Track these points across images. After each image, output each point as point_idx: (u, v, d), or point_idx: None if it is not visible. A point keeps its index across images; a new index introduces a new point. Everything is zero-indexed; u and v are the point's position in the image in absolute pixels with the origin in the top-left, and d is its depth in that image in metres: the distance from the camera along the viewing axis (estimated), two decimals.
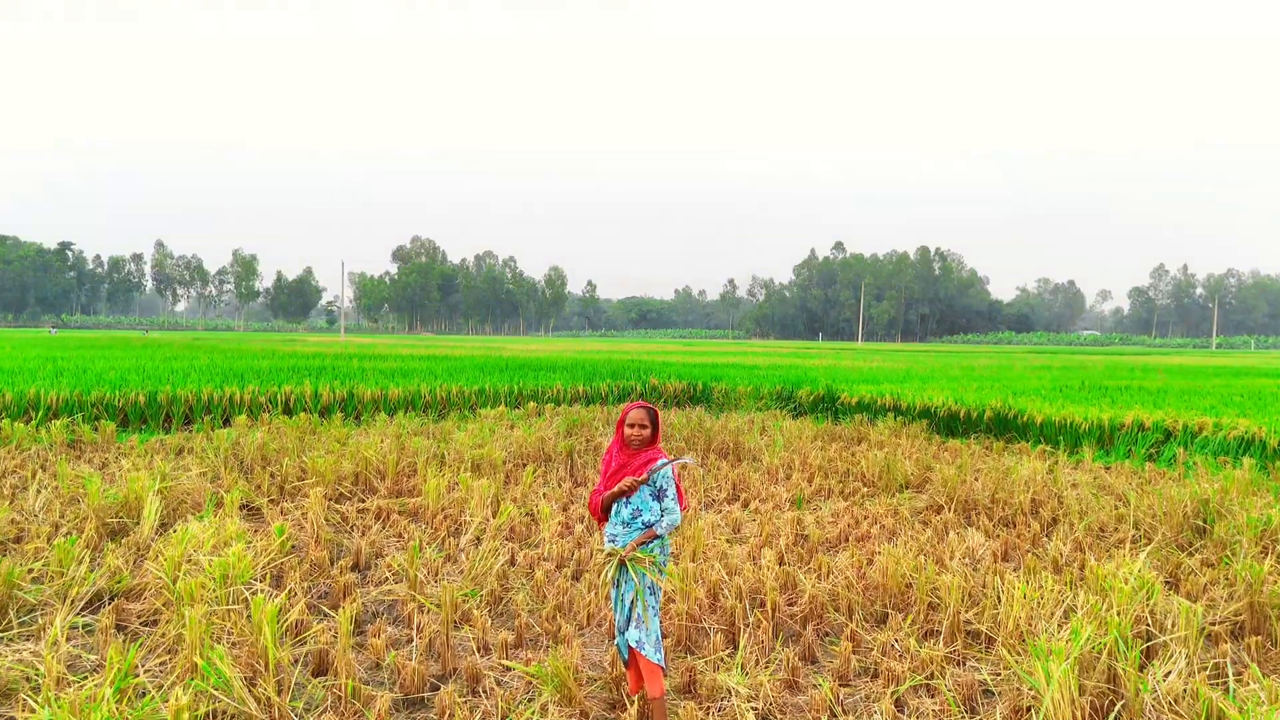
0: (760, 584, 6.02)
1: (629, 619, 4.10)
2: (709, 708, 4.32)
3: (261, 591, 5.52)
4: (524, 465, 10.58)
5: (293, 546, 7.00)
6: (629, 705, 4.19)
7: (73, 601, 5.54)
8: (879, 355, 47.51)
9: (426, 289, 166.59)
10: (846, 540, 7.69)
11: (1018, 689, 4.37)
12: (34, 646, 4.80)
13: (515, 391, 17.63)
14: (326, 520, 7.79)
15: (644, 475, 4.04)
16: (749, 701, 4.31)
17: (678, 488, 4.22)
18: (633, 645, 4.06)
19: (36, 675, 4.42)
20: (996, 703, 4.40)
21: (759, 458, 11.66)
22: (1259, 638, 5.14)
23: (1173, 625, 4.91)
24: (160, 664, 4.65)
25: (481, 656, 5.09)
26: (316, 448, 10.84)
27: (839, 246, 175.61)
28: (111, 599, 5.79)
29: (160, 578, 5.79)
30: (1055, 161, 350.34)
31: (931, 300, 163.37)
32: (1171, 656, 4.60)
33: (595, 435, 12.74)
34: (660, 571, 4.14)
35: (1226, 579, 6.08)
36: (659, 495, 4.11)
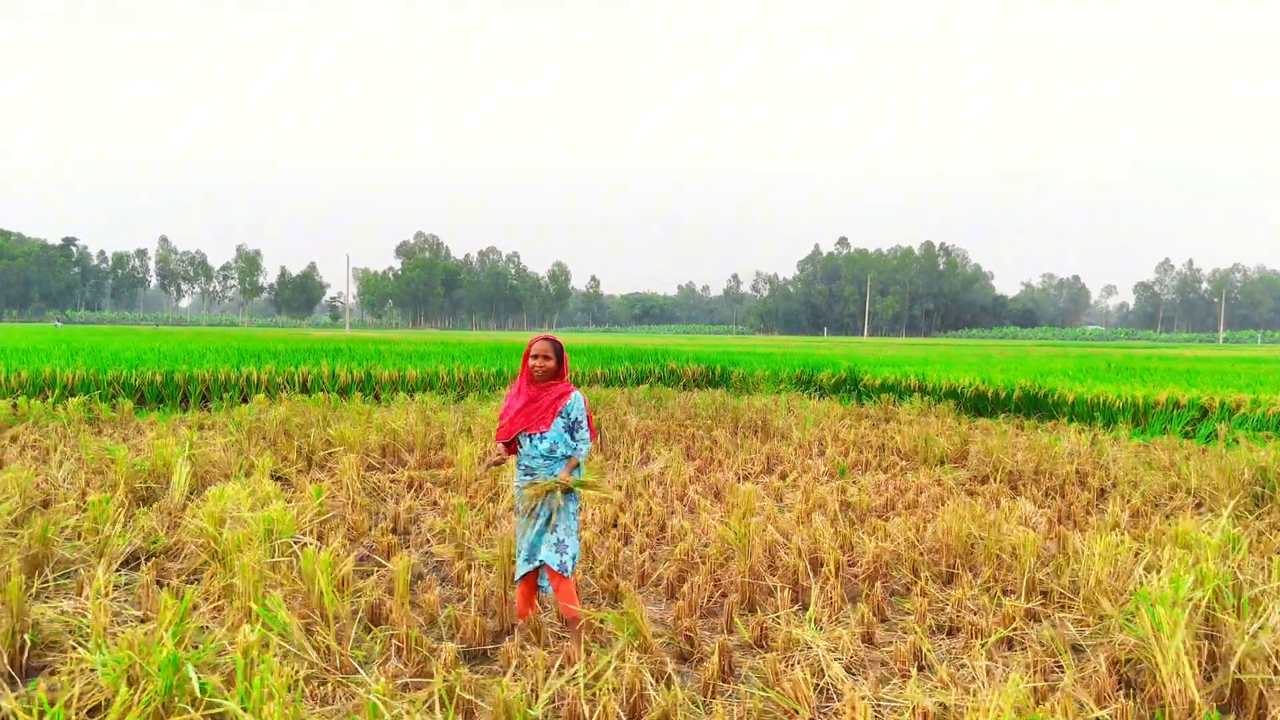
0: (817, 545, 5.83)
1: (538, 544, 4.24)
2: (788, 659, 4.11)
3: (309, 546, 5.33)
4: None
5: (331, 513, 6.80)
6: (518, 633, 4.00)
7: (110, 559, 5.35)
8: (889, 347, 47.29)
9: (430, 285, 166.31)
10: (893, 508, 7.48)
11: (1113, 642, 4.16)
12: (73, 602, 4.60)
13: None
14: (361, 487, 7.58)
15: (568, 481, 4.20)
16: (831, 653, 4.10)
17: (589, 421, 4.40)
18: (553, 568, 4.18)
19: (83, 626, 4.22)
20: (1089, 657, 4.19)
21: (787, 435, 11.45)
22: None
23: (1264, 579, 4.69)
24: (213, 612, 4.45)
25: (538, 614, 4.89)
26: (339, 423, 10.62)
27: (843, 242, 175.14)
28: (148, 558, 5.60)
29: (200, 536, 5.61)
30: (1061, 157, 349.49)
31: (936, 295, 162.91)
32: (1264, 611, 4.39)
33: (620, 413, 12.53)
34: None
35: None
36: (572, 429, 4.31)
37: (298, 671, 3.14)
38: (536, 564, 4.23)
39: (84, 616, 4.30)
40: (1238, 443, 10.57)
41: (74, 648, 3.85)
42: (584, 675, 3.52)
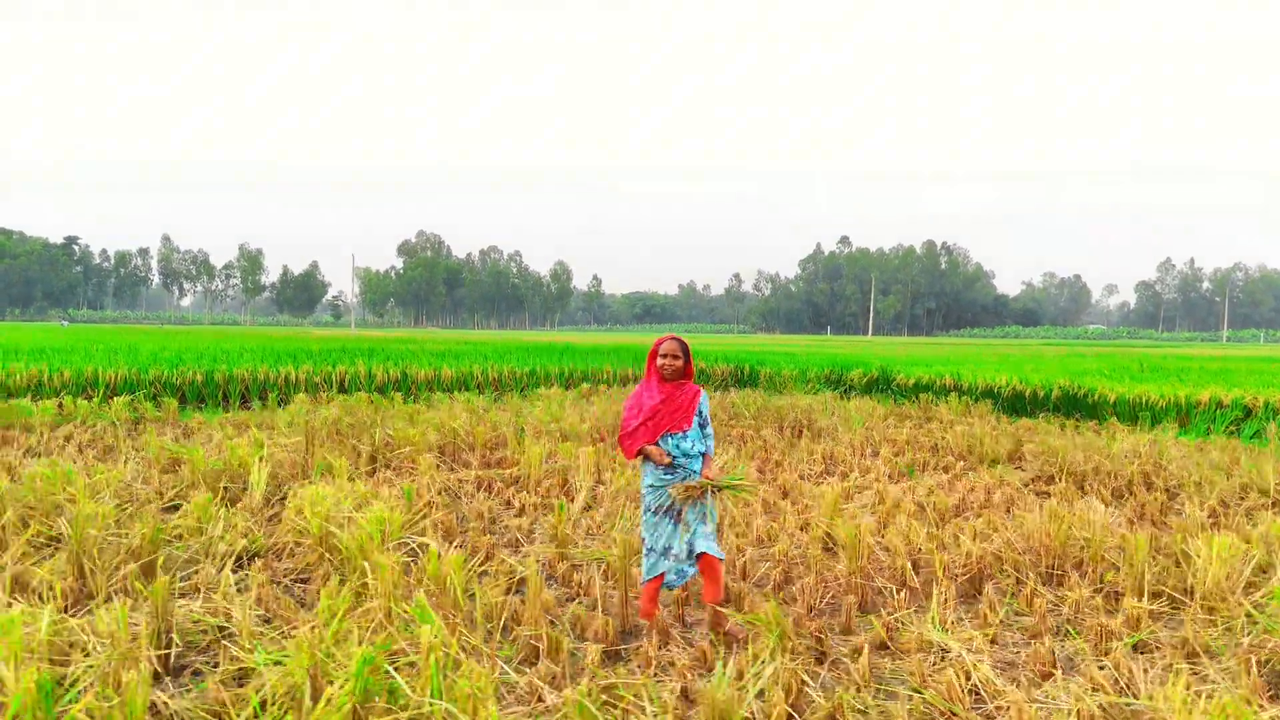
0: (910, 545, 5.84)
1: (688, 543, 4.36)
2: (927, 660, 4.11)
3: (424, 546, 5.35)
4: (603, 440, 10.40)
5: (420, 514, 6.80)
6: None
7: (220, 559, 5.35)
8: (899, 346, 47.28)
9: (432, 283, 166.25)
10: (968, 508, 7.49)
11: (1250, 643, 4.18)
12: (201, 603, 4.59)
13: (567, 373, 17.44)
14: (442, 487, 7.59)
15: (719, 481, 4.36)
16: (972, 654, 4.11)
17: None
18: (716, 556, 4.37)
19: (216, 625, 4.22)
20: (1223, 659, 4.20)
21: (834, 435, 11.45)
22: None
23: None
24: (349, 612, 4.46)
25: (661, 613, 4.90)
26: (390, 422, 10.62)
27: (844, 241, 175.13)
28: (250, 558, 5.60)
29: (302, 535, 5.62)
30: (1060, 156, 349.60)
31: (938, 294, 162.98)
32: None
33: None
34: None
35: None
36: (703, 425, 4.48)
37: (492, 672, 3.14)
38: (694, 560, 4.35)
39: (215, 617, 4.31)
40: None
41: (226, 647, 3.85)
42: (753, 677, 3.53)
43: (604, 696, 3.47)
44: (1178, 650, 4.28)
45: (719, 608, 4.39)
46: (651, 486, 4.38)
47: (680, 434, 4.35)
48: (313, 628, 3.72)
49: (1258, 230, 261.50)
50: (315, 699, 3.17)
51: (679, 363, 4.40)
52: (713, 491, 4.30)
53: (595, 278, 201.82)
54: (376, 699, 2.98)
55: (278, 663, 3.63)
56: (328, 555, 5.26)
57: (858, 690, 3.82)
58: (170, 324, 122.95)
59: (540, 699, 3.50)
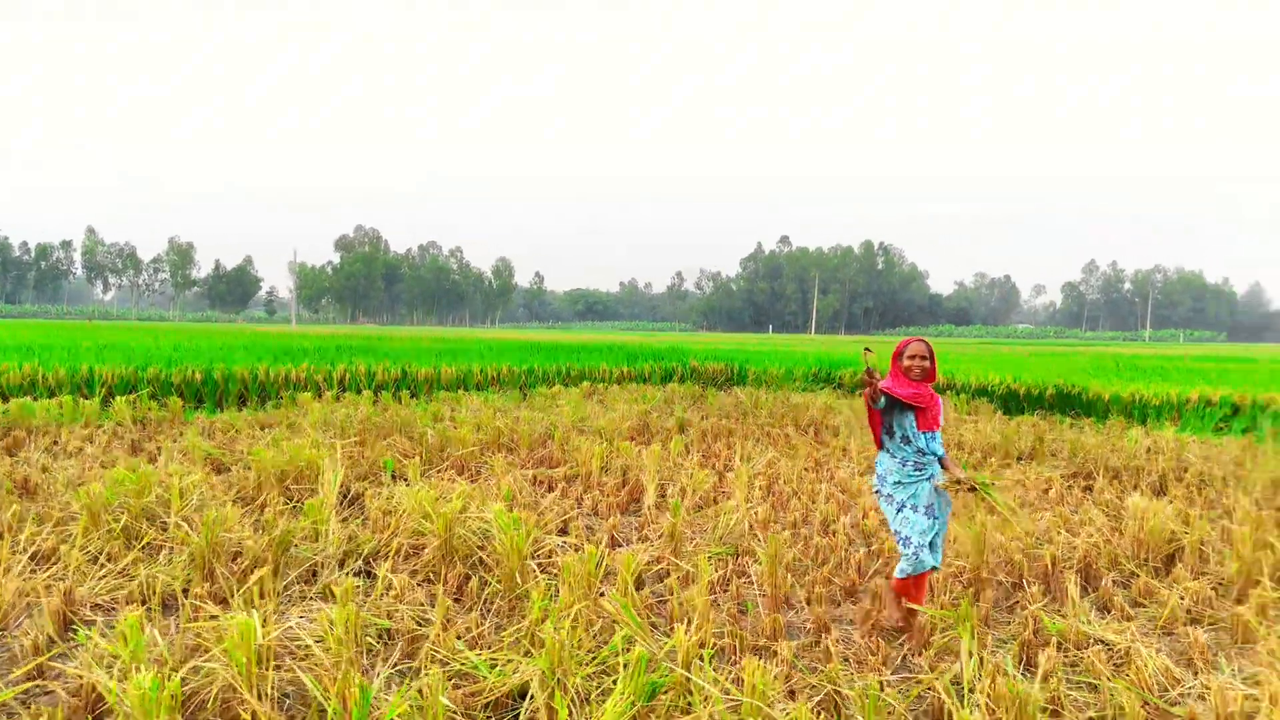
0: (1008, 540, 6.02)
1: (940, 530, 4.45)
2: (1077, 657, 4.27)
3: (570, 546, 5.32)
4: (629, 439, 10.42)
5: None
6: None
7: (340, 561, 5.25)
8: (857, 345, 48.16)
9: (370, 279, 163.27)
10: (1024, 504, 7.73)
11: None
12: (326, 607, 4.50)
13: (564, 372, 17.36)
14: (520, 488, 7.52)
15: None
16: (1124, 640, 4.28)
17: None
18: (935, 565, 4.41)
19: (418, 626, 4.14)
20: None
21: (854, 432, 11.66)
22: None
23: None
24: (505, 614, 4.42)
25: (790, 613, 4.97)
26: (416, 423, 10.44)
27: (784, 240, 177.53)
28: (359, 558, 5.49)
29: (415, 536, 5.53)
30: (993, 162, 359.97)
31: (875, 294, 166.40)
32: None
33: (680, 413, 12.61)
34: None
35: None
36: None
37: (769, 669, 3.17)
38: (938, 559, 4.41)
39: (386, 619, 4.23)
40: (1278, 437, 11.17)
41: (431, 648, 3.79)
42: (971, 671, 3.63)
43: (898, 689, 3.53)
44: None
45: (913, 605, 4.46)
46: (900, 484, 4.40)
47: (930, 434, 4.42)
48: (528, 629, 3.69)
49: (1174, 234, 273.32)
50: (562, 696, 3.16)
51: (927, 363, 4.42)
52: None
53: (538, 274, 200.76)
54: (661, 695, 2.99)
55: (493, 665, 3.60)
56: (459, 555, 5.20)
57: (1053, 680, 3.94)
58: (95, 319, 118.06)
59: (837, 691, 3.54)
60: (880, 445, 4.52)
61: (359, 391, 14.22)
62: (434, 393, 14.73)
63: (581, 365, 17.98)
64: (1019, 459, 10.15)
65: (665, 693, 3.15)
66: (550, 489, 7.96)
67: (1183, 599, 5.05)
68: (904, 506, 4.38)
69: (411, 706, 2.91)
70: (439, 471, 8.19)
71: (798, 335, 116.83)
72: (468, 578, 5.07)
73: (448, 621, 4.12)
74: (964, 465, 9.62)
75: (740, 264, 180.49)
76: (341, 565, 5.28)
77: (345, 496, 7.11)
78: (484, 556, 5.22)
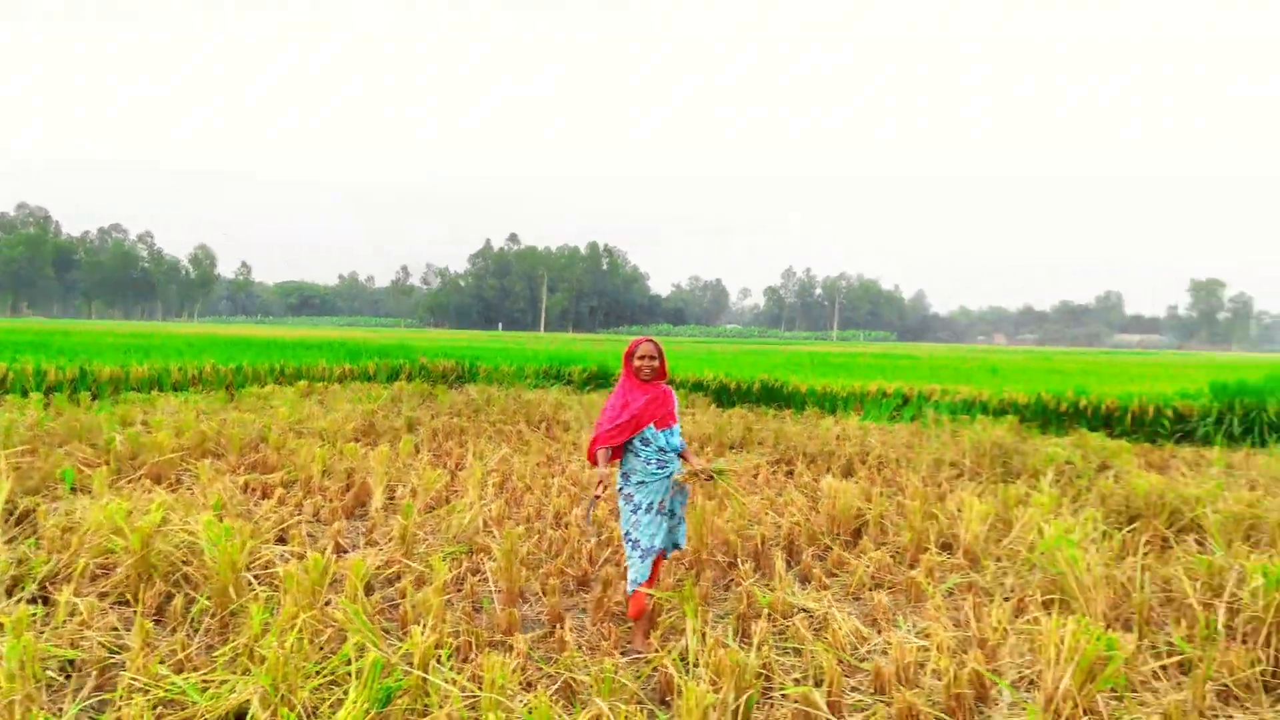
0: (720, 524, 6.51)
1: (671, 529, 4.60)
2: (785, 625, 4.73)
3: (294, 555, 4.94)
4: (354, 440, 9.99)
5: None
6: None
7: (8, 588, 4.52)
8: (585, 343, 49.38)
9: (36, 264, 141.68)
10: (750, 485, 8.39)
11: (1012, 585, 5.34)
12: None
13: (278, 370, 16.16)
14: (232, 494, 6.88)
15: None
16: (822, 607, 4.81)
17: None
18: (684, 547, 4.83)
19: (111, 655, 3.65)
20: (988, 599, 5.30)
21: (582, 427, 11.99)
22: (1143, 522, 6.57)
23: (1082, 509, 6.20)
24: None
25: (525, 606, 5.04)
26: (101, 427, 9.21)
27: (513, 238, 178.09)
28: (34, 582, 4.77)
29: (108, 552, 4.92)
30: (703, 171, 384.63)
31: (600, 293, 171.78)
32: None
33: (408, 411, 12.25)
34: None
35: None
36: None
37: (507, 663, 3.15)
38: (662, 549, 4.53)
39: (79, 649, 3.71)
40: (939, 422, 13.04)
41: (129, 679, 3.37)
42: (695, 645, 3.88)
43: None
44: (966, 591, 5.34)
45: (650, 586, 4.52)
46: (642, 483, 4.43)
47: (667, 430, 4.51)
48: (246, 646, 3.41)
49: (857, 246, 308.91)
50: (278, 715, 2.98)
51: (656, 363, 4.55)
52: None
53: (244, 264, 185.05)
54: (397, 699, 2.90)
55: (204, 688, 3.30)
56: (159, 572, 4.68)
57: (765, 648, 4.31)
58: None
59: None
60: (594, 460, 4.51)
61: (25, 394, 12.32)
62: (121, 394, 13.09)
63: (298, 363, 16.86)
64: (731, 448, 10.97)
65: (401, 696, 3.06)
66: (266, 496, 7.40)
67: (868, 567, 5.74)
68: (640, 508, 4.44)
69: None
70: (131, 481, 7.31)
71: (527, 333, 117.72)
72: (170, 596, 4.59)
73: (149, 646, 3.70)
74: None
75: (469, 260, 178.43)
76: (10, 593, 4.56)
77: (11, 514, 6.14)
78: (190, 572, 4.75)
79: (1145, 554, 5.83)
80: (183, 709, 3.22)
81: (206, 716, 3.07)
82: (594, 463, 4.49)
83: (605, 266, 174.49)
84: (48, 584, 4.76)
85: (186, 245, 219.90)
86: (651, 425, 4.46)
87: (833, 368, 20.31)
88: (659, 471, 4.45)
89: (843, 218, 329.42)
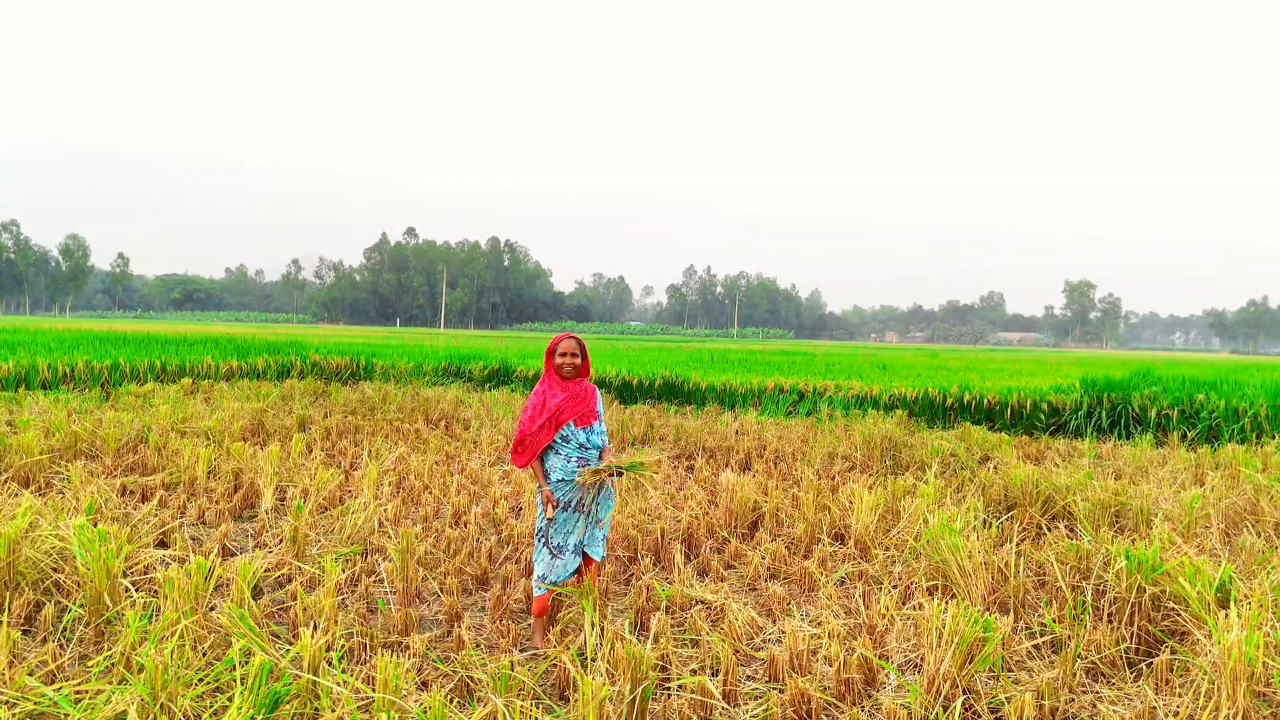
0: (621, 519, 6.55)
1: (591, 529, 4.55)
2: (683, 617, 4.81)
3: (161, 561, 4.70)
4: (242, 440, 9.62)
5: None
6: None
7: None
8: (486, 340, 48.78)
9: None
10: (642, 487, 8.45)
11: (899, 573, 5.56)
12: None
13: (159, 367, 15.38)
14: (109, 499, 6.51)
15: (621, 464, 4.43)
16: (719, 599, 4.90)
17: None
18: (598, 554, 4.57)
19: None
20: (877, 587, 5.51)
21: (492, 424, 11.86)
22: (1020, 510, 6.92)
23: (965, 499, 6.50)
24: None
25: (423, 606, 4.96)
26: None
27: (411, 232, 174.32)
28: None
29: None
30: (604, 174, 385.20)
31: (503, 289, 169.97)
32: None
33: (299, 410, 11.86)
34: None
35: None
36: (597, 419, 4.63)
37: (401, 663, 3.09)
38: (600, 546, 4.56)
39: None
40: (833, 417, 13.44)
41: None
42: (594, 640, 3.90)
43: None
44: (857, 579, 5.53)
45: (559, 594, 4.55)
46: (562, 481, 4.38)
47: (588, 428, 4.47)
48: (123, 654, 3.24)
49: (757, 246, 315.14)
50: None
51: (578, 360, 4.52)
52: (617, 474, 4.39)
53: (121, 256, 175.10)
54: (285, 704, 2.81)
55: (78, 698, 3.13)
56: (27, 580, 4.40)
57: (663, 640, 4.37)
58: None
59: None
60: (530, 458, 4.45)
61: None
62: None
63: (181, 360, 16.08)
64: (634, 443, 11.04)
65: (290, 701, 2.96)
66: (146, 499, 7.06)
67: (764, 559, 5.88)
68: (566, 507, 4.41)
69: None
70: None
71: (426, 329, 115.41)
72: (40, 605, 4.33)
73: (16, 656, 3.47)
74: None
75: (364, 254, 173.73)
76: None
77: None
78: (62, 579, 4.48)
79: (1021, 540, 6.18)
80: None
81: None
82: (520, 465, 4.47)
83: (507, 263, 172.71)
84: None
85: (58, 235, 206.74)
86: (571, 423, 4.43)
87: (732, 364, 20.66)
88: (580, 469, 4.40)
89: (743, 223, 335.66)
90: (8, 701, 3.06)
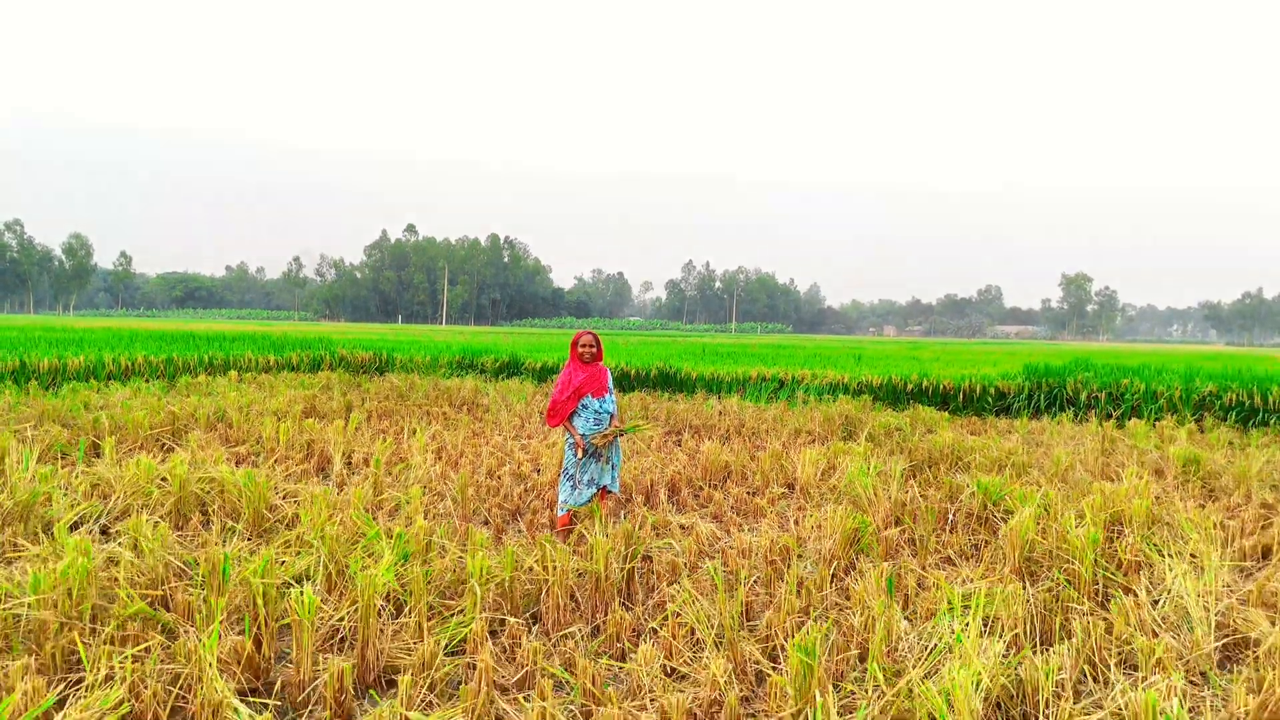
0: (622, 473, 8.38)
1: (601, 478, 6.42)
2: (671, 537, 6.63)
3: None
4: (302, 419, 11.45)
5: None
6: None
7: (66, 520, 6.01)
8: (495, 335, 50.51)
9: None
10: (641, 453, 10.29)
11: (827, 512, 7.40)
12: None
13: (207, 360, 17.23)
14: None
15: (623, 427, 6.47)
16: (692, 522, 6.74)
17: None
18: (616, 491, 6.57)
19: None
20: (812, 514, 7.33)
21: (508, 408, 13.68)
22: (929, 471, 8.78)
23: (890, 457, 8.33)
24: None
25: (480, 529, 6.79)
26: (68, 411, 10.43)
27: (411, 229, 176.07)
28: (97, 518, 6.25)
29: (152, 494, 6.43)
30: (606, 170, 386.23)
31: (503, 286, 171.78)
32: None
33: (341, 396, 13.69)
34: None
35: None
36: (609, 392, 6.53)
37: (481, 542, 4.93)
38: (596, 490, 6.32)
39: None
40: (806, 401, 15.28)
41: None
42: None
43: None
44: (798, 511, 7.37)
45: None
46: (584, 435, 6.24)
47: (602, 398, 6.34)
48: (297, 538, 5.08)
49: (755, 242, 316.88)
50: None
51: (594, 349, 6.39)
52: (621, 434, 6.29)
53: (124, 255, 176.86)
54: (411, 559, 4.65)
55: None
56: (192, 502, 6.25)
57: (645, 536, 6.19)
58: None
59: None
60: (560, 419, 6.33)
61: None
62: (61, 383, 14.06)
63: (226, 354, 17.94)
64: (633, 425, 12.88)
65: (413, 558, 4.79)
66: (239, 463, 8.87)
67: (727, 498, 7.73)
68: (587, 453, 6.25)
69: None
70: (131, 451, 8.68)
71: (429, 325, 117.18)
72: (207, 522, 6.16)
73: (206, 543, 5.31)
74: None
75: (365, 251, 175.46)
76: (76, 528, 6.04)
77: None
78: (223, 503, 6.33)
79: (924, 485, 8.02)
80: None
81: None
82: (553, 425, 6.36)
83: (507, 259, 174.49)
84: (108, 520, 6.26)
85: (61, 234, 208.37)
86: (590, 394, 6.30)
87: (722, 356, 22.51)
88: (597, 427, 6.32)
89: (744, 214, 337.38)
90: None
